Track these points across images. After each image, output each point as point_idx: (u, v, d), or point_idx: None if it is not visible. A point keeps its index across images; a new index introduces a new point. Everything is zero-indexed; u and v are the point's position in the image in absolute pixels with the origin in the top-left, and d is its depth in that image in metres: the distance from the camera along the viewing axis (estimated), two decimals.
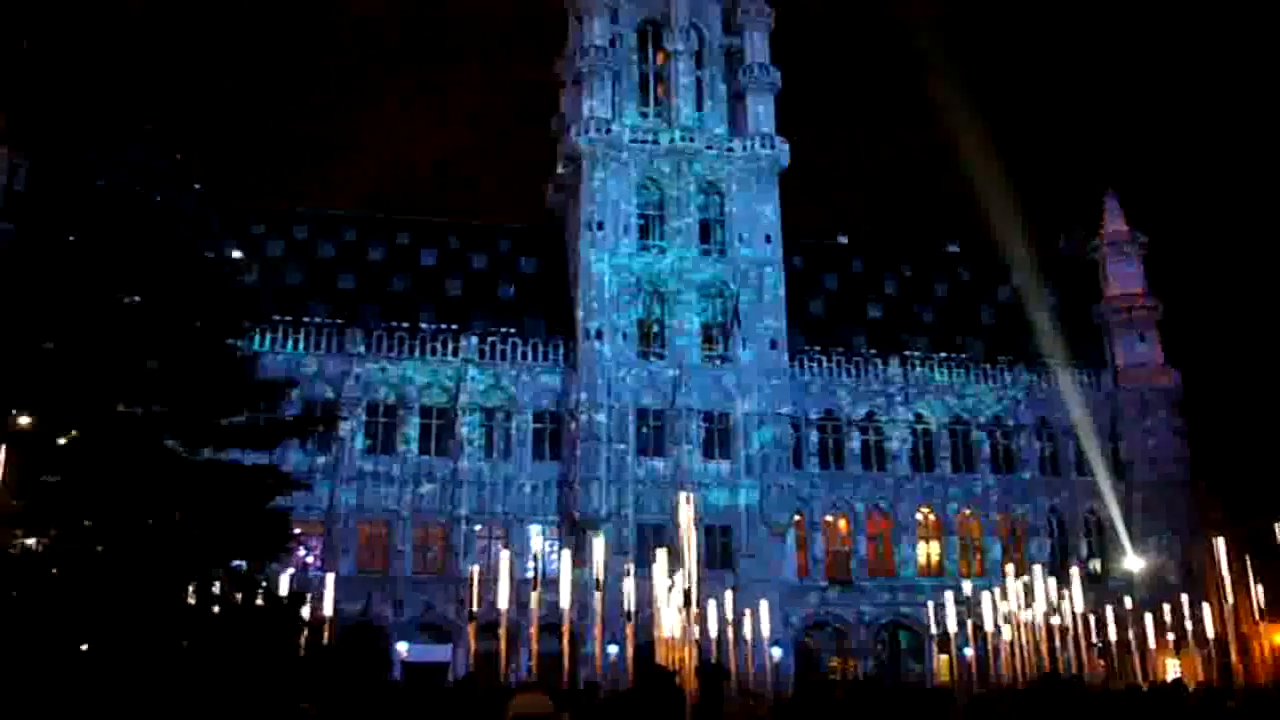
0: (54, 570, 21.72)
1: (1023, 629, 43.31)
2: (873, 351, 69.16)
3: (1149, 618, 51.32)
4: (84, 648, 20.25)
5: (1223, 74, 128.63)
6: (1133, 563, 66.96)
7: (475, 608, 32.60)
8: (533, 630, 32.58)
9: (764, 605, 47.28)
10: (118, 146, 27.56)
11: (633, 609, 31.35)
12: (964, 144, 78.69)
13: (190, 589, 23.52)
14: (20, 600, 19.99)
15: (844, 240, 79.80)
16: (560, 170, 71.61)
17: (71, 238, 25.90)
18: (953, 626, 49.04)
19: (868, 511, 66.23)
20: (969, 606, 46.16)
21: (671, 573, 34.28)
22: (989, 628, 43.98)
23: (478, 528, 61.15)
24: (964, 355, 70.60)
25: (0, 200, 61.03)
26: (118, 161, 27.26)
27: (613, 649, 46.16)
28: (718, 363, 64.71)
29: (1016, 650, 42.78)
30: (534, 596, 32.53)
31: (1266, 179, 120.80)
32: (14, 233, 30.32)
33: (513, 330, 64.74)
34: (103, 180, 26.94)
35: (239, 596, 24.79)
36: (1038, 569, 44.96)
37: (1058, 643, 43.12)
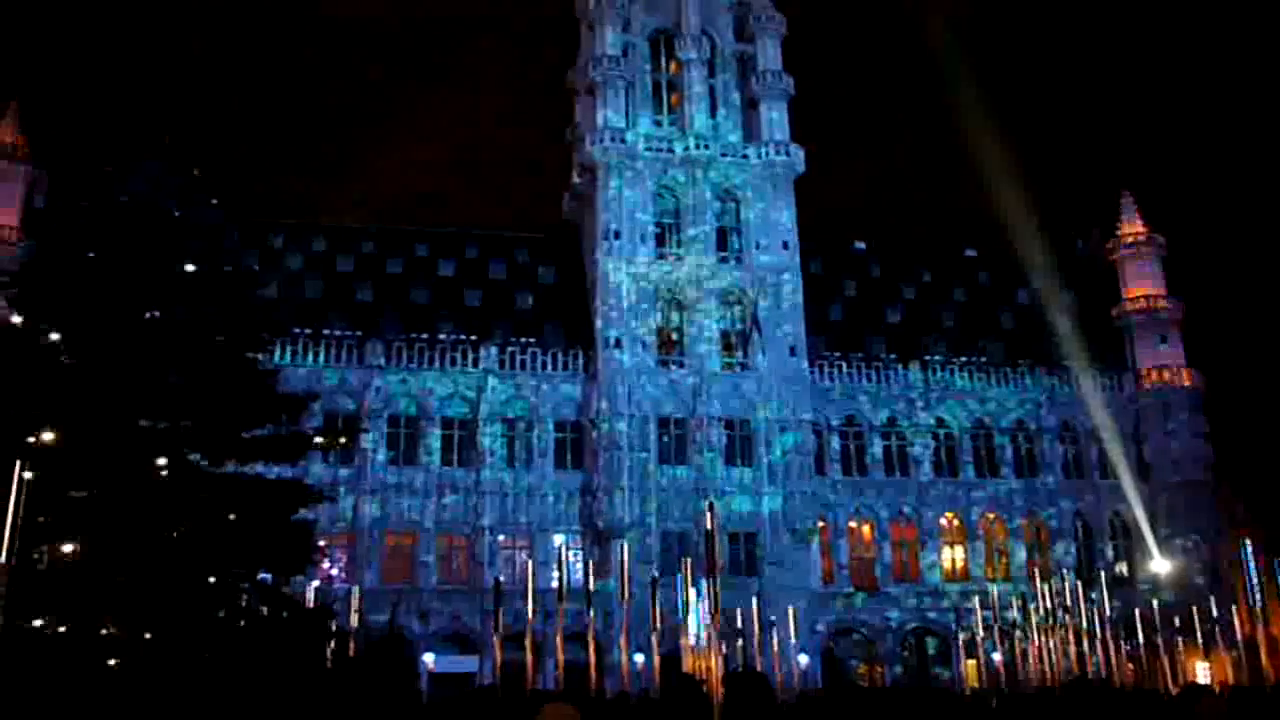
0: (80, 585, 21.71)
1: (1050, 633, 43.07)
2: (893, 357, 69.00)
3: (1176, 620, 51.07)
4: (112, 661, 20.22)
5: (1238, 73, 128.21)
6: (1159, 565, 66.62)
7: (500, 618, 32.53)
8: (558, 640, 32.49)
9: (790, 612, 47.08)
10: (136, 162, 27.55)
11: (658, 617, 31.25)
12: (980, 147, 78.33)
13: (216, 602, 23.50)
14: (48, 614, 19.99)
15: (861, 246, 79.62)
16: (576, 179, 71.66)
17: (92, 253, 25.89)
18: (980, 631, 48.80)
19: (891, 517, 66.08)
20: (995, 611, 45.98)
21: (695, 581, 34.18)
22: (1016, 632, 43.73)
23: (501, 538, 61.14)
24: (984, 359, 70.40)
25: (21, 217, 61.40)
26: (136, 177, 27.26)
27: (639, 658, 46.05)
28: (737, 370, 64.61)
29: (1044, 654, 42.55)
30: (559, 606, 32.44)
31: None
32: (35, 249, 30.42)
33: (532, 340, 64.78)
34: (122, 196, 26.93)
35: (265, 609, 24.75)
36: (1064, 573, 44.78)
37: (1085, 646, 42.88)
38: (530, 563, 39.67)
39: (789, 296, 65.51)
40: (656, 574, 34.56)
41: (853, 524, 65.97)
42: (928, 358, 69.41)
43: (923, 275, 77.21)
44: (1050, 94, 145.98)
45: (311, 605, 30.17)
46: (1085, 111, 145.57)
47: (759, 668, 39.61)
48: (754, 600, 44.18)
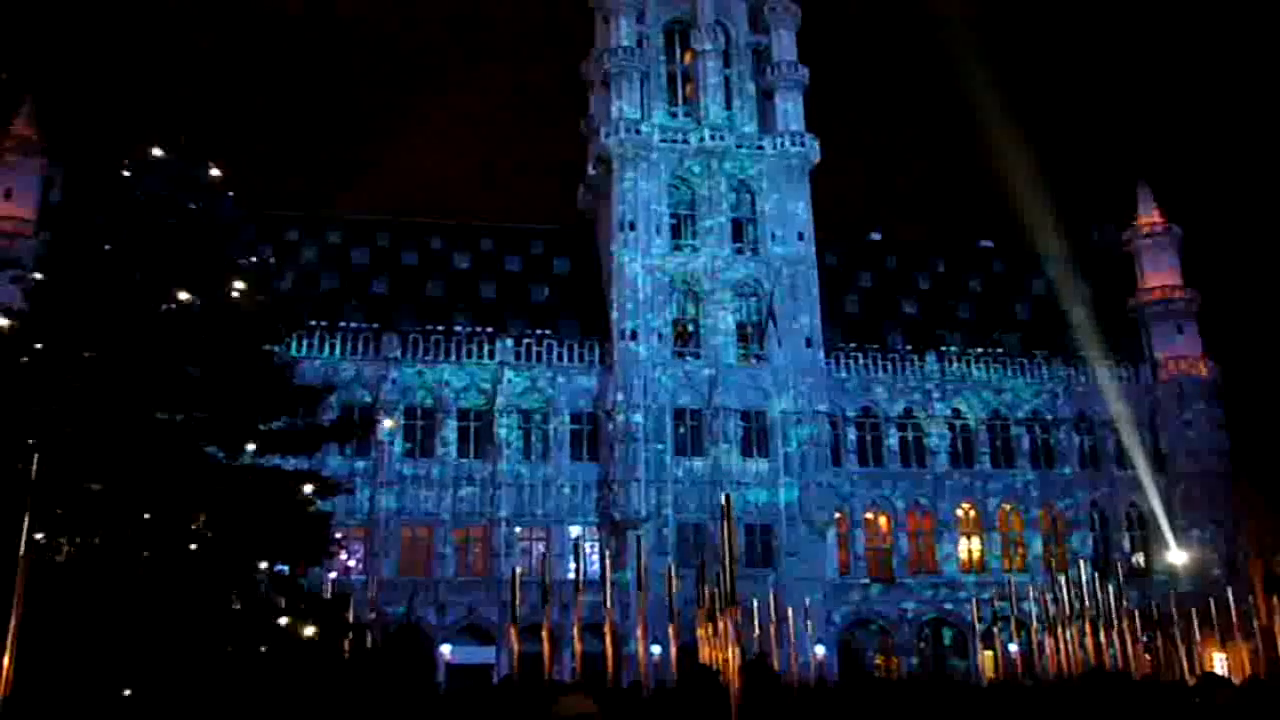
0: (98, 577, 21.76)
1: (1066, 624, 42.95)
2: (909, 348, 68.94)
3: (1193, 611, 50.91)
4: (130, 653, 20.28)
5: (1255, 63, 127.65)
6: (1176, 556, 66.47)
7: (517, 609, 32.56)
8: (575, 631, 32.51)
9: (806, 603, 47.10)
10: (152, 156, 27.59)
11: (675, 609, 31.27)
12: (995, 138, 78.20)
13: (234, 594, 23.55)
14: (64, 607, 20.02)
15: (877, 237, 79.70)
16: (591, 171, 71.68)
17: (108, 247, 25.95)
18: (996, 622, 48.74)
19: (908, 508, 66.08)
20: (1012, 602, 45.87)
21: (712, 572, 34.16)
22: (1032, 623, 43.64)
23: (518, 529, 61.20)
24: (1000, 350, 70.27)
25: (38, 211, 61.62)
26: (152, 170, 27.30)
27: (656, 649, 46.08)
28: (753, 361, 64.63)
29: (1061, 645, 42.45)
30: (576, 598, 32.45)
31: None
32: (51, 242, 30.58)
33: (548, 332, 64.81)
34: (138, 190, 26.98)
35: (282, 600, 24.79)
36: (1080, 563, 44.64)
37: (1102, 637, 42.74)
38: (547, 554, 39.74)
39: (805, 288, 65.50)
40: (673, 565, 34.54)
41: (869, 515, 66.01)
42: (943, 349, 69.32)
43: (938, 266, 77.23)
44: (1067, 84, 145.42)
45: (329, 597, 30.22)
46: (1102, 101, 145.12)
47: (775, 659, 39.63)
48: (770, 592, 44.14)
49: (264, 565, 25.21)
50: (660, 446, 61.38)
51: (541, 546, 58.36)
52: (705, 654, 33.03)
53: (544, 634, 31.03)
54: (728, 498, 25.40)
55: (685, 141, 67.61)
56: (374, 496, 59.37)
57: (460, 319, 65.10)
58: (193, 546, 23.23)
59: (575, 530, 60.78)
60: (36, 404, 23.11)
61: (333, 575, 37.74)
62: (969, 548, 66.86)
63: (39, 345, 24.20)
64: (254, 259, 28.89)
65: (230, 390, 25.32)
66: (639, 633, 32.50)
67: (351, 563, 56.07)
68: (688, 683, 19.11)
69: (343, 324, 62.64)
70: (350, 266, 68.25)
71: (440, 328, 64.00)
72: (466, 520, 61.11)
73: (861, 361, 67.68)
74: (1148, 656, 50.16)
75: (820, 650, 55.19)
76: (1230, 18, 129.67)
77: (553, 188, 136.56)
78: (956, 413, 68.05)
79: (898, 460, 66.69)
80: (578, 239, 72.67)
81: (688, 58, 71.64)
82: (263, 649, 22.59)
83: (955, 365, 68.62)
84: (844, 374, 66.86)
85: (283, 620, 24.02)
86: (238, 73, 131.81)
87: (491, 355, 63.22)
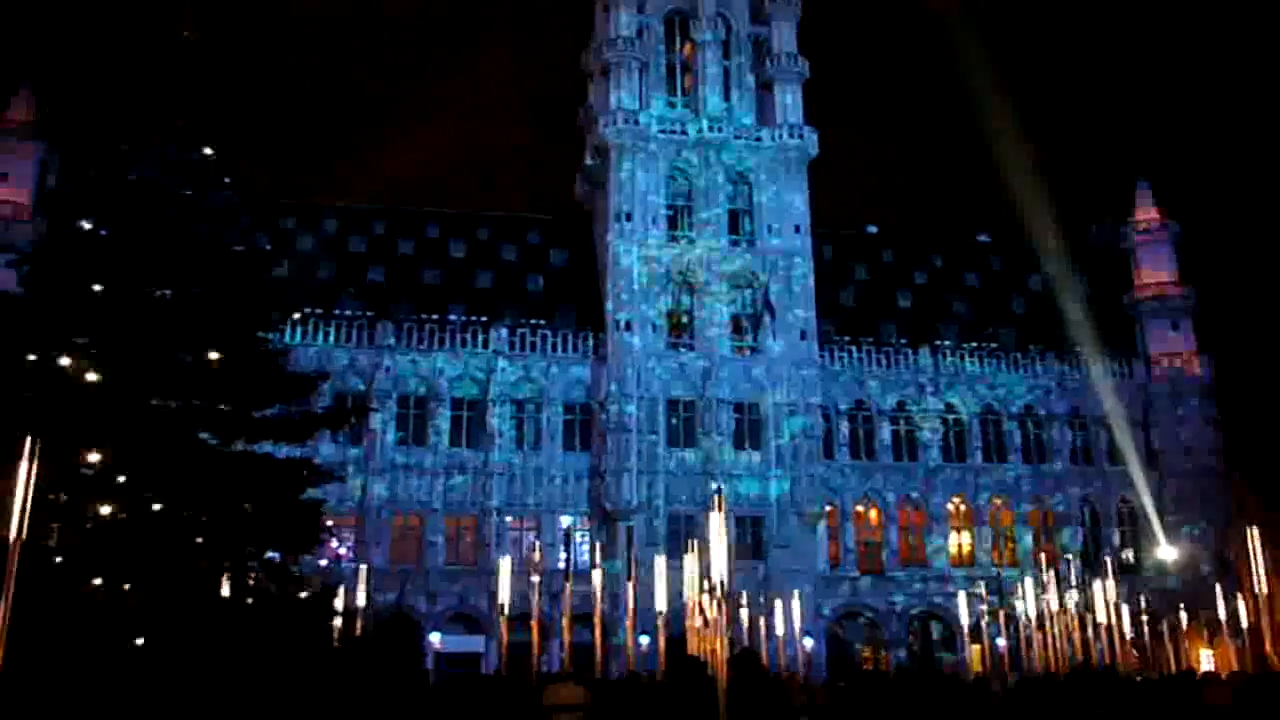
0: (90, 563, 21.86)
1: (1055, 619, 43.10)
2: (903, 341, 68.90)
3: (1182, 608, 51.12)
4: (120, 639, 20.38)
5: (1254, 61, 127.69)
6: (1166, 552, 66.59)
7: (507, 599, 32.68)
8: (565, 621, 32.64)
9: (796, 595, 47.19)
10: (149, 142, 27.65)
11: (664, 600, 31.33)
12: (994, 133, 78.25)
13: (225, 580, 23.63)
14: (57, 594, 20.11)
15: (873, 230, 79.60)
16: (589, 162, 71.61)
17: (104, 233, 26.02)
18: (985, 616, 48.90)
19: (899, 502, 66.11)
20: (1001, 597, 46.00)
21: (702, 563, 34.24)
22: (1021, 618, 43.75)
23: (509, 519, 61.28)
24: (995, 345, 70.33)
25: (34, 196, 61.61)
26: (149, 157, 27.37)
27: (644, 639, 46.17)
28: (747, 353, 64.68)
29: (1049, 640, 42.59)
30: (566, 588, 32.58)
31: None
32: (48, 228, 30.61)
33: (543, 322, 64.86)
34: (134, 175, 27.04)
35: (273, 587, 24.91)
36: (1070, 559, 44.79)
37: (1090, 633, 42.90)
38: (538, 544, 39.84)
39: (800, 280, 65.46)
40: (663, 556, 34.55)
41: (860, 508, 66.10)
42: (938, 343, 69.31)
43: (935, 260, 77.16)
44: (1066, 79, 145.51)
45: (319, 584, 30.30)
46: (1101, 97, 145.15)
47: (764, 651, 39.74)
48: (760, 583, 44.24)
49: (256, 552, 25.34)
50: (653, 437, 61.40)
51: (532, 536, 58.39)
52: (694, 645, 33.13)
53: (533, 624, 31.17)
54: (719, 489, 25.54)
55: (683, 132, 67.56)
56: (366, 485, 59.40)
57: (455, 308, 65.13)
58: (185, 533, 23.33)
59: (566, 520, 60.90)
60: (31, 389, 23.18)
61: (324, 563, 37.78)
62: (959, 542, 66.93)
63: (34, 330, 24.28)
64: (249, 246, 28.97)
65: (224, 377, 25.41)
66: (628, 624, 32.65)
67: (343, 550, 56.15)
68: (676, 674, 19.22)
69: (338, 312, 62.62)
70: (346, 254, 68.21)
71: (435, 316, 64.02)
72: (458, 509, 61.17)
73: (855, 355, 67.67)
74: (1134, 653, 50.36)
75: (809, 642, 55.30)
76: (1229, 16, 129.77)
77: (550, 177, 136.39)
78: (949, 407, 68.08)
79: (890, 454, 66.74)
80: (574, 229, 72.66)
81: (687, 49, 71.52)
82: (253, 635, 22.68)
83: (949, 359, 68.59)
84: (838, 367, 66.86)
85: (274, 607, 24.14)
86: (235, 60, 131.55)
87: (486, 344, 63.22)
